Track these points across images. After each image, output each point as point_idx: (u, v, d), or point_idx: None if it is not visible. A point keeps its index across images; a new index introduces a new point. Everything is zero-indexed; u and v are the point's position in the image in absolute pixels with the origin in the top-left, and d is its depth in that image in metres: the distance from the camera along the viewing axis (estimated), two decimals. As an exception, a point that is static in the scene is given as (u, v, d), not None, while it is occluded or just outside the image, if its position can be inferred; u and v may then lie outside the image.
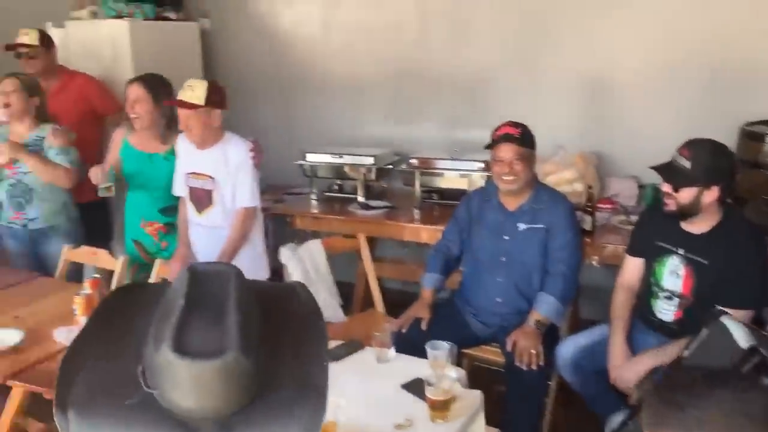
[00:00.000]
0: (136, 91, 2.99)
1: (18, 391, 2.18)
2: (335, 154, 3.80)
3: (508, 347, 2.53)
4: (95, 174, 2.96)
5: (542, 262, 2.66)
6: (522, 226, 2.67)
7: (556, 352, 2.57)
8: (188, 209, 2.97)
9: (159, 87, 3.02)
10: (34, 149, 3.09)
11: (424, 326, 2.67)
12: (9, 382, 2.08)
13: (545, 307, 2.59)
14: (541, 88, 3.76)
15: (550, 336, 2.60)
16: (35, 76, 3.29)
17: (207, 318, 0.83)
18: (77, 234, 3.31)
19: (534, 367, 2.46)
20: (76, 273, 3.18)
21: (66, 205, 3.26)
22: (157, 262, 2.95)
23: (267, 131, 4.39)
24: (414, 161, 3.67)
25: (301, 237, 3.56)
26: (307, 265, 3.03)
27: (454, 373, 2.09)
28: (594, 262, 3.04)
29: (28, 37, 3.48)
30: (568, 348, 2.56)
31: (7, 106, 3.05)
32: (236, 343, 0.79)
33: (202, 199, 2.90)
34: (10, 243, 3.28)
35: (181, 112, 2.76)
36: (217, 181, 2.85)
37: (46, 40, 3.57)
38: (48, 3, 4.28)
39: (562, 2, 3.65)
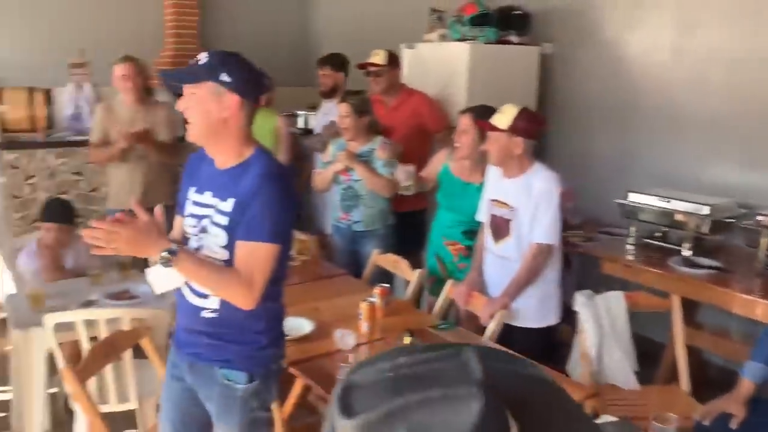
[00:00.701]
0: (465, 123, 3.05)
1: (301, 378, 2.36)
2: (663, 197, 3.35)
3: None
4: (401, 171, 3.18)
5: None
6: None
7: None
8: (486, 236, 2.91)
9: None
10: (365, 159, 3.40)
11: (733, 425, 2.16)
12: (291, 369, 2.27)
13: None
14: None
15: None
16: (365, 97, 3.62)
17: (392, 390, 0.74)
18: (392, 239, 3.55)
19: None
20: (380, 276, 3.38)
21: (383, 212, 3.52)
22: (448, 283, 2.96)
23: (595, 162, 4.13)
24: (764, 218, 3.02)
25: (607, 283, 3.22)
26: (602, 317, 2.71)
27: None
28: None
29: (378, 57, 3.84)
30: None
31: (346, 129, 3.41)
32: (372, 416, 0.69)
33: (501, 228, 2.81)
34: (336, 239, 3.69)
35: (487, 133, 2.75)
36: (517, 212, 2.73)
37: (392, 61, 3.88)
38: (408, 26, 4.69)
39: None
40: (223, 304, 1.79)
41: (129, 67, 3.73)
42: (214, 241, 1.78)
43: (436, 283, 3.21)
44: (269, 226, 1.72)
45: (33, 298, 2.81)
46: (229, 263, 1.76)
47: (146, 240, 1.61)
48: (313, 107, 4.97)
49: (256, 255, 1.72)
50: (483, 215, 2.94)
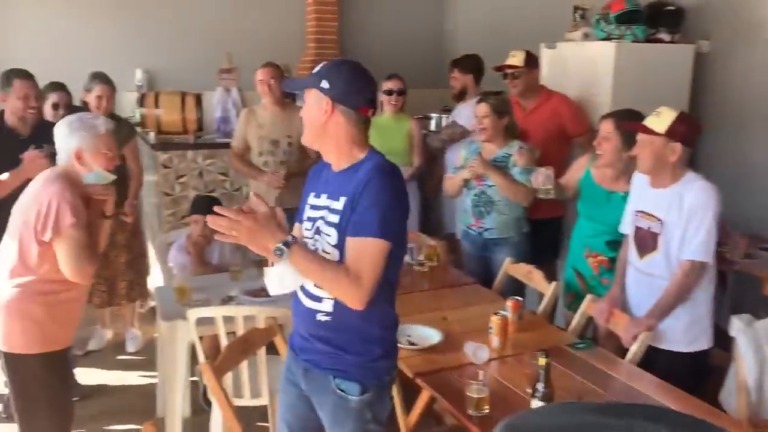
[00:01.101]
0: (607, 128, 2.86)
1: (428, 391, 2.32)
2: (842, 212, 2.96)
3: None
4: (540, 173, 3.05)
5: None
6: None
7: None
8: (630, 250, 2.70)
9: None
10: (501, 165, 3.29)
11: None
12: (417, 380, 2.23)
13: None
14: None
15: None
16: (505, 97, 3.49)
17: None
18: (525, 248, 3.41)
19: None
20: (511, 285, 3.25)
21: (519, 219, 3.39)
22: (588, 298, 2.78)
23: (756, 169, 3.73)
24: None
25: (767, 306, 2.90)
26: (764, 345, 2.43)
27: None
28: None
29: (515, 59, 3.70)
30: None
31: (484, 129, 3.31)
32: None
33: (646, 242, 2.59)
34: (465, 245, 3.60)
35: (639, 137, 2.52)
36: (666, 225, 2.51)
37: (530, 62, 3.73)
38: (548, 24, 4.51)
39: None
40: (337, 307, 1.78)
41: (267, 72, 3.87)
42: (327, 240, 1.78)
43: (575, 299, 3.03)
44: (378, 223, 1.69)
45: (179, 292, 2.98)
46: (341, 263, 1.74)
47: (264, 231, 1.63)
48: (447, 109, 4.92)
49: (365, 251, 1.70)
50: (627, 227, 2.74)
